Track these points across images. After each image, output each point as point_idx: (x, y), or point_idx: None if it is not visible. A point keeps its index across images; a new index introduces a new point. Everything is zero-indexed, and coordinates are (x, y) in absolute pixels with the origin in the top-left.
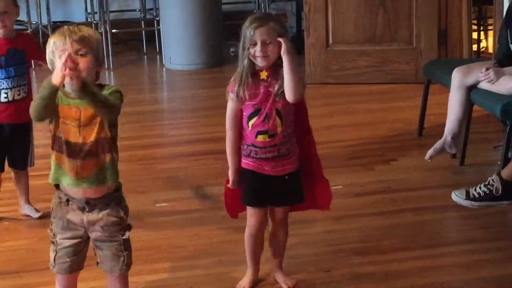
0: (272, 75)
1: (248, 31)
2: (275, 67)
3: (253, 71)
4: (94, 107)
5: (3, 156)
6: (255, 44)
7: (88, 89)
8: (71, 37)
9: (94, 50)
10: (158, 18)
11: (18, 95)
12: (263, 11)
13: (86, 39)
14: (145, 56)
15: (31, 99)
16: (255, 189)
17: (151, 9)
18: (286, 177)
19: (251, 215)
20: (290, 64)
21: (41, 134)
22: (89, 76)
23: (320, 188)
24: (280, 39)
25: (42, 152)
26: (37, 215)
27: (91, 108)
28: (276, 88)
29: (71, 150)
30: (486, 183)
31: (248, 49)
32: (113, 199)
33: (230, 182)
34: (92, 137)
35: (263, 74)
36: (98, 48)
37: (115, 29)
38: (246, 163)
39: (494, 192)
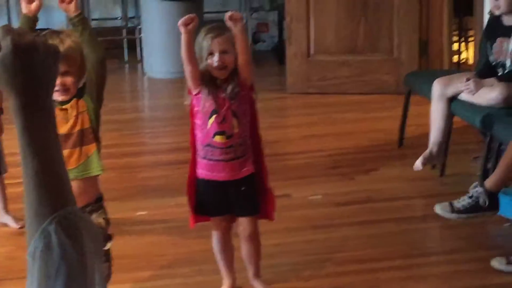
0: (226, 81)
1: (205, 41)
2: (231, 75)
3: (211, 78)
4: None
5: None
6: (211, 54)
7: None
8: None
9: (79, 61)
10: (139, 27)
11: None
12: (245, 20)
13: (70, 56)
14: (126, 65)
15: None
16: (209, 200)
17: (133, 17)
18: (243, 188)
19: (213, 223)
20: (246, 41)
21: (14, 142)
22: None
23: (265, 198)
24: (234, 14)
25: (19, 160)
26: (17, 225)
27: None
28: (229, 90)
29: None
30: (470, 195)
31: (206, 59)
32: (94, 209)
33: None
34: (77, 127)
35: (219, 81)
36: (82, 55)
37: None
38: (200, 172)
39: (480, 203)
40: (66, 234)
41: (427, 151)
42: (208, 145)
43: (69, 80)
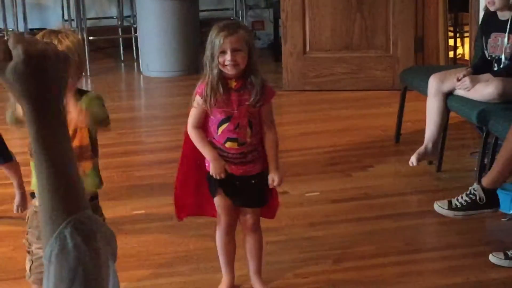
0: (243, 84)
1: (218, 39)
2: (244, 76)
3: (222, 79)
4: (95, 125)
5: None
6: (224, 52)
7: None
8: None
9: (77, 61)
10: (135, 25)
11: None
12: (240, 18)
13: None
14: (122, 63)
15: None
16: (221, 180)
17: (129, 16)
18: (253, 181)
19: (219, 215)
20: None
21: (17, 142)
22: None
23: (271, 196)
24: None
25: (19, 160)
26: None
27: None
28: (252, 99)
29: None
30: (468, 192)
31: (218, 57)
32: (91, 209)
33: (219, 173)
34: (75, 143)
35: (232, 83)
36: (80, 56)
37: (92, 36)
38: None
39: (478, 200)
40: (81, 237)
41: (422, 147)
42: (220, 148)
43: None
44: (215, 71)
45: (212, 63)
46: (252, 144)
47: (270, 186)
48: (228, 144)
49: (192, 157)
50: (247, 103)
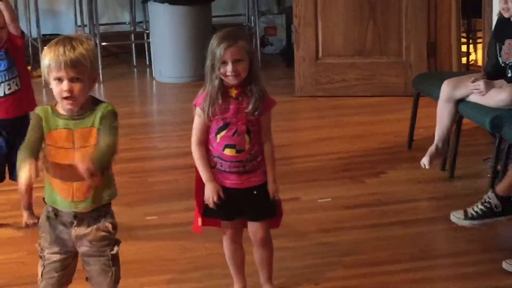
0: (241, 92)
1: (218, 50)
2: (244, 84)
3: (223, 88)
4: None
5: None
6: (225, 63)
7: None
8: (66, 64)
9: (89, 69)
10: (148, 31)
11: (9, 89)
12: (252, 24)
13: (81, 63)
14: (135, 69)
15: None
16: (219, 204)
17: (141, 22)
18: (255, 192)
19: (223, 226)
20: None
21: None
22: (83, 96)
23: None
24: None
25: None
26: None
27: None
28: (250, 108)
29: (65, 173)
30: (483, 201)
31: (219, 68)
32: (102, 213)
33: (212, 196)
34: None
35: (232, 92)
36: (93, 63)
37: (105, 42)
38: None
39: (494, 208)
40: None
41: (433, 147)
42: (218, 157)
43: (77, 87)
44: (216, 82)
45: (212, 74)
46: (251, 152)
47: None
48: (226, 151)
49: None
50: (246, 111)
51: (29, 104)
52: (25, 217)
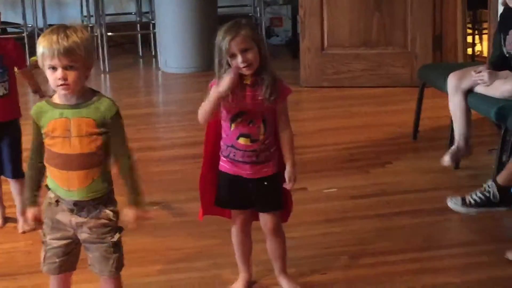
0: (255, 81)
1: (223, 44)
2: (256, 72)
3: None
4: None
5: None
6: (233, 55)
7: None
8: (59, 51)
9: (84, 57)
10: (154, 21)
11: None
12: (258, 15)
13: (74, 51)
14: (141, 59)
15: (15, 96)
16: (229, 192)
17: (147, 12)
18: (266, 183)
19: (233, 215)
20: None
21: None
22: (80, 84)
23: (285, 198)
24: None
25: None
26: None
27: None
28: (263, 93)
29: (61, 162)
30: (482, 189)
31: (227, 63)
32: (103, 201)
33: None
34: (86, 149)
35: (248, 79)
36: (88, 52)
37: (111, 32)
38: (223, 165)
39: (491, 198)
40: None
41: (454, 146)
42: (232, 146)
43: (71, 75)
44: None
45: (220, 70)
46: (265, 143)
47: (287, 185)
48: (240, 140)
49: (211, 155)
50: (260, 98)
51: (15, 111)
52: (20, 222)
